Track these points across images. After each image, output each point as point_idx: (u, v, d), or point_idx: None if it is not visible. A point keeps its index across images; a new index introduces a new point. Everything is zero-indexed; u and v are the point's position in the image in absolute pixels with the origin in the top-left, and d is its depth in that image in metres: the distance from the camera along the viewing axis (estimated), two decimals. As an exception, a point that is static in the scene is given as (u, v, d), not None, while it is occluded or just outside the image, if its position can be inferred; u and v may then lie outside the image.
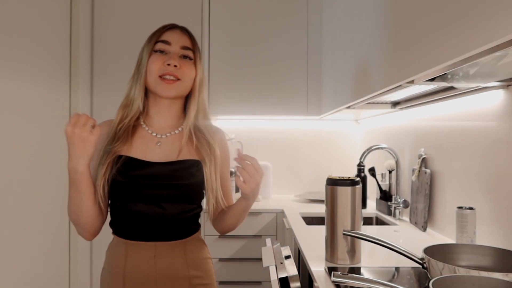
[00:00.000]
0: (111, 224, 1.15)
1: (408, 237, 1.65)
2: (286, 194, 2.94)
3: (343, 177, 1.30)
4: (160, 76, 1.10)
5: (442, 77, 1.12)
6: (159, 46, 1.12)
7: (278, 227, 2.39)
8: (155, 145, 1.13)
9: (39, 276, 2.08)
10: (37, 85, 2.07)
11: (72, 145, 1.02)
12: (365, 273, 1.18)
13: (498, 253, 1.02)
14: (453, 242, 1.44)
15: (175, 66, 1.10)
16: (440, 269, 0.92)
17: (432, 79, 1.13)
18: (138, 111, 1.17)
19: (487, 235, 1.33)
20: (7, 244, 1.85)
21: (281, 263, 1.24)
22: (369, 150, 2.18)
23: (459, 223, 1.33)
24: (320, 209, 2.31)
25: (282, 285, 1.13)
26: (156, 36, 1.14)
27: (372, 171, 2.21)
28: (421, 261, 1.02)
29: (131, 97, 1.17)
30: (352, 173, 2.78)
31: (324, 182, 1.35)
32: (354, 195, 1.25)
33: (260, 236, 2.36)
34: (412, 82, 1.14)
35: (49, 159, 2.17)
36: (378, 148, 2.16)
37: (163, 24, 1.18)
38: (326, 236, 1.29)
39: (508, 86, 1.23)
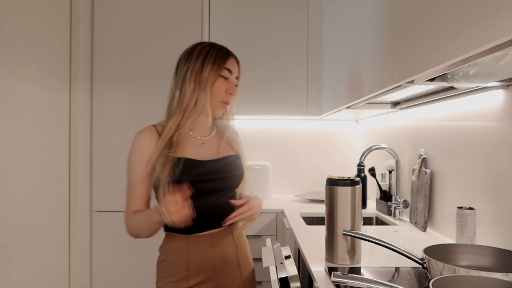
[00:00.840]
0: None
1: (408, 237, 1.65)
2: (286, 194, 2.94)
3: (343, 177, 1.30)
4: (223, 101, 1.32)
5: (442, 77, 1.12)
6: (225, 73, 1.30)
7: (278, 227, 2.39)
8: (200, 146, 1.31)
9: (39, 275, 2.08)
10: (37, 85, 2.07)
11: (165, 211, 1.15)
12: (365, 273, 1.18)
13: (498, 253, 1.02)
14: (453, 242, 1.44)
15: (231, 94, 1.33)
16: (440, 269, 0.92)
17: (432, 79, 1.13)
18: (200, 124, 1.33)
19: (487, 235, 1.33)
20: (7, 244, 1.85)
21: (281, 263, 1.24)
22: (369, 150, 2.18)
23: (459, 223, 1.33)
24: (320, 209, 2.31)
25: (282, 285, 1.13)
26: (223, 62, 1.30)
27: (372, 171, 2.21)
28: (421, 261, 1.02)
29: (198, 110, 1.29)
30: (352, 173, 2.78)
31: (324, 182, 1.35)
32: (354, 195, 1.25)
33: (260, 236, 2.36)
34: (412, 82, 1.14)
35: (49, 160, 2.17)
36: (378, 148, 2.16)
37: (221, 47, 1.34)
38: (326, 236, 1.29)
39: (508, 86, 1.23)
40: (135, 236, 1.27)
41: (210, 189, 1.26)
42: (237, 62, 1.36)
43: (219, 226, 1.28)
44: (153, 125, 1.32)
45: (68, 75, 2.39)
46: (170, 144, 1.25)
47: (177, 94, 1.30)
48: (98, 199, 2.49)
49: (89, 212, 2.47)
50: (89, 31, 2.47)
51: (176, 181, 1.21)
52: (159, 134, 1.28)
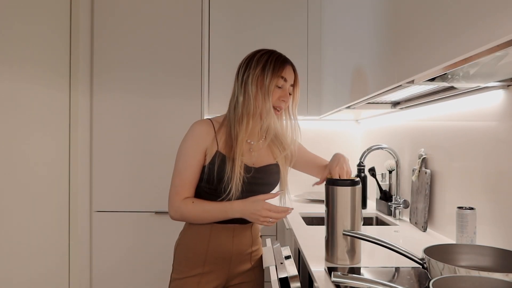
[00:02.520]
0: None
1: (408, 237, 1.65)
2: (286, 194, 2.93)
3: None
4: (273, 106, 1.35)
5: (442, 77, 1.12)
6: (281, 82, 1.35)
7: (278, 227, 2.39)
8: (249, 152, 1.39)
9: (39, 275, 2.08)
10: (37, 85, 2.07)
11: (253, 219, 1.31)
12: (365, 273, 1.18)
13: (498, 253, 1.02)
14: (453, 242, 1.44)
15: (284, 101, 1.36)
16: (440, 269, 0.92)
17: (432, 79, 1.13)
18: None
19: (487, 235, 1.33)
20: (7, 244, 1.85)
21: (281, 263, 1.24)
22: (369, 150, 2.18)
23: (459, 223, 1.33)
24: (320, 209, 2.31)
25: (282, 285, 1.13)
26: (280, 71, 1.34)
27: (372, 171, 2.21)
28: (421, 261, 1.02)
29: (260, 115, 1.36)
30: (352, 173, 2.78)
31: (324, 182, 1.35)
32: (354, 195, 1.25)
33: (261, 236, 2.35)
34: (412, 82, 1.14)
35: (48, 159, 2.17)
36: (378, 148, 2.16)
37: (279, 55, 1.39)
38: (326, 236, 1.29)
39: (508, 86, 1.23)
40: (188, 221, 1.36)
41: (250, 192, 1.34)
42: (294, 69, 1.41)
43: (243, 222, 1.36)
44: (209, 119, 1.39)
45: (68, 75, 2.39)
46: (231, 146, 1.33)
47: (240, 99, 1.34)
48: (98, 199, 2.48)
49: (89, 212, 2.47)
50: (89, 31, 2.47)
51: (242, 182, 1.32)
52: (215, 130, 1.35)
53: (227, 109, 1.39)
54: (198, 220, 1.34)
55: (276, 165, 1.43)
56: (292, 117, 1.43)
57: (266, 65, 1.34)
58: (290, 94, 1.39)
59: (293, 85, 1.40)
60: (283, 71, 1.35)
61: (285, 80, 1.36)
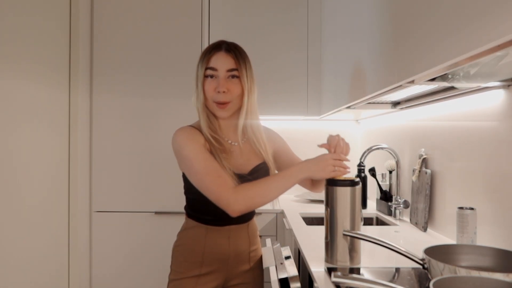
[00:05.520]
0: (194, 211, 1.35)
1: (408, 238, 1.64)
2: (286, 194, 2.93)
3: (343, 177, 1.30)
4: (214, 101, 1.28)
5: (443, 77, 1.12)
6: (209, 72, 1.27)
7: (278, 228, 2.39)
8: (233, 155, 1.32)
9: (39, 276, 2.08)
10: (37, 85, 2.07)
11: (325, 169, 1.22)
12: (365, 274, 1.18)
13: (498, 253, 1.02)
14: (454, 242, 1.44)
15: (224, 92, 1.25)
16: (440, 270, 0.92)
17: (433, 79, 1.13)
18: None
19: (487, 236, 1.33)
20: (7, 244, 1.85)
21: (281, 263, 1.24)
22: (369, 150, 2.18)
23: (460, 223, 1.33)
24: (320, 209, 2.31)
25: (282, 285, 1.12)
26: (205, 63, 1.27)
27: (372, 171, 2.21)
28: (421, 262, 1.02)
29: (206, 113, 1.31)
30: (352, 173, 2.77)
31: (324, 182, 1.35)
32: (353, 195, 1.25)
33: (260, 236, 2.35)
34: (412, 82, 1.14)
35: (48, 159, 2.17)
36: (378, 148, 2.16)
37: (210, 45, 1.31)
38: (326, 237, 1.29)
39: (508, 86, 1.23)
40: (254, 205, 1.20)
41: None
42: (232, 53, 1.27)
43: (238, 223, 1.34)
44: (188, 126, 1.33)
45: (67, 74, 2.38)
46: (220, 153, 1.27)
47: (193, 99, 1.33)
48: (98, 199, 2.48)
49: (89, 212, 2.47)
50: (89, 30, 2.47)
51: None
52: (199, 131, 1.29)
53: None
54: (265, 197, 1.20)
55: (265, 163, 1.36)
56: (246, 111, 1.29)
57: (200, 58, 1.30)
58: (234, 77, 1.26)
59: (236, 69, 1.26)
60: (209, 59, 1.26)
61: (214, 69, 1.26)
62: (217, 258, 1.33)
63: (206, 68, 1.27)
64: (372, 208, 2.35)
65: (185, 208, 1.40)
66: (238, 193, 1.17)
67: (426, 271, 1.00)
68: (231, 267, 1.36)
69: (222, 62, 1.27)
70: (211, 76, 1.27)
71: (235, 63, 1.28)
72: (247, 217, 1.38)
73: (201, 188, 1.21)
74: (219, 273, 1.34)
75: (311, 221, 2.22)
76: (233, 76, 1.28)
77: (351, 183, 1.25)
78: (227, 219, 1.29)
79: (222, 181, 1.18)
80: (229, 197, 1.17)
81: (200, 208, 1.34)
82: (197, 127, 1.32)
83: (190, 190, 1.32)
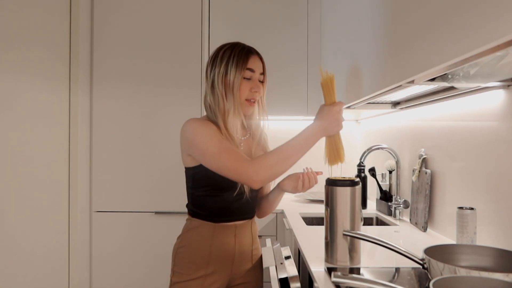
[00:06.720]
0: (200, 209, 1.35)
1: (408, 238, 1.64)
2: (286, 194, 2.93)
3: (343, 177, 1.30)
4: (246, 99, 1.37)
5: (443, 77, 1.12)
6: (248, 74, 1.36)
7: (278, 228, 2.39)
8: (239, 147, 1.36)
9: (39, 276, 2.08)
10: (37, 85, 2.07)
11: (339, 124, 1.42)
12: (365, 274, 1.18)
13: (498, 253, 1.02)
14: (454, 242, 1.44)
15: (256, 91, 1.38)
16: (440, 270, 0.92)
17: (433, 79, 1.13)
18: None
19: (487, 236, 1.33)
20: (7, 244, 1.85)
21: (281, 263, 1.24)
22: (369, 150, 2.18)
23: (460, 223, 1.33)
24: (320, 209, 2.31)
25: (282, 285, 1.12)
26: (245, 63, 1.35)
27: (372, 171, 2.21)
28: (421, 262, 1.02)
29: (232, 113, 1.35)
30: (352, 173, 2.77)
31: (324, 183, 1.35)
32: (353, 195, 1.25)
33: (260, 236, 2.35)
34: (412, 82, 1.14)
35: (48, 159, 2.17)
36: (378, 148, 2.16)
37: (243, 47, 1.40)
38: (326, 237, 1.29)
39: (508, 86, 1.23)
40: (275, 173, 1.25)
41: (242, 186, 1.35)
42: (260, 58, 1.42)
43: (243, 218, 1.38)
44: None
45: (67, 74, 2.38)
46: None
47: (211, 99, 1.35)
48: (98, 199, 2.48)
49: (89, 212, 2.47)
50: (89, 30, 2.47)
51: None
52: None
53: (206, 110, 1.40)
54: (286, 163, 1.27)
55: None
56: (261, 106, 1.46)
57: (229, 61, 1.34)
58: (262, 82, 1.40)
59: (263, 74, 1.42)
60: (247, 62, 1.35)
61: (253, 70, 1.36)
62: (223, 256, 1.34)
63: (247, 69, 1.35)
64: (372, 208, 2.35)
65: (188, 207, 1.40)
66: (256, 164, 1.21)
67: (426, 271, 1.00)
68: (235, 266, 1.37)
69: (258, 65, 1.39)
70: (249, 77, 1.37)
71: (263, 67, 1.43)
72: (251, 213, 1.43)
73: (219, 168, 1.24)
74: (223, 273, 1.35)
75: (311, 221, 2.22)
76: (260, 81, 1.41)
77: (351, 183, 1.25)
78: (235, 213, 1.35)
79: (239, 156, 1.23)
80: (248, 169, 1.20)
81: (207, 204, 1.35)
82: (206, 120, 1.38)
83: (197, 185, 1.34)
